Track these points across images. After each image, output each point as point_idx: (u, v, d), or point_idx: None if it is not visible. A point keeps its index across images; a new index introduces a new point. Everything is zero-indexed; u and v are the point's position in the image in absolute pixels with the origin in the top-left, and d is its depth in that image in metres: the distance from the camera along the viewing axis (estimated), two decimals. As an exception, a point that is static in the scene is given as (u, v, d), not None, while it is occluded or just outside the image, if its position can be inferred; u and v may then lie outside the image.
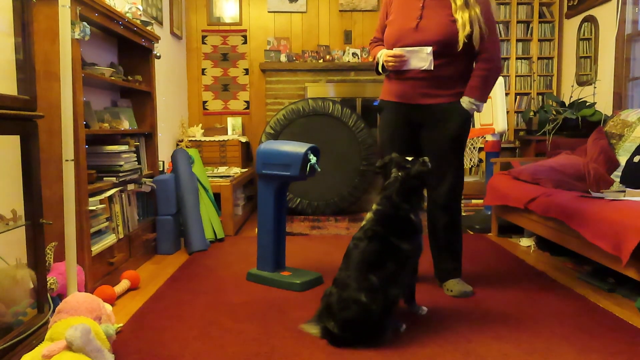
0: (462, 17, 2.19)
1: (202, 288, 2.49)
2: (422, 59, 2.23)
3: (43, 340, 1.58)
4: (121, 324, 2.02)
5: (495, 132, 3.91)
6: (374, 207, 2.01)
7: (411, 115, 2.35)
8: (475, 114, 4.29)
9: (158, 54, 3.32)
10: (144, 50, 3.21)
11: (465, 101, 2.28)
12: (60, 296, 1.99)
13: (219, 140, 4.72)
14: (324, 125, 4.39)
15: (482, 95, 2.30)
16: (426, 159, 2.02)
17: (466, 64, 2.30)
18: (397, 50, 2.26)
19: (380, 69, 2.39)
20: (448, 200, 2.37)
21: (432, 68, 2.23)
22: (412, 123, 2.37)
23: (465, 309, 2.18)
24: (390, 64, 2.28)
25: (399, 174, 1.97)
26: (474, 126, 4.79)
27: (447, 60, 2.24)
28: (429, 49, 2.21)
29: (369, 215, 2.01)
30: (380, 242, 1.91)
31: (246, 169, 4.65)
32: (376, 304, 1.78)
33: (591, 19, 4.51)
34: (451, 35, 2.21)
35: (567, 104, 4.46)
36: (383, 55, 2.32)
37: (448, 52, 2.23)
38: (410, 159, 2.02)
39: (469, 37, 2.21)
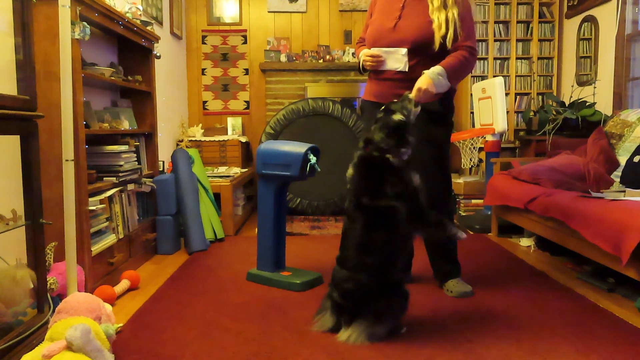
0: (438, 18, 2.19)
1: (202, 288, 2.49)
2: (397, 60, 2.25)
3: (43, 340, 1.58)
4: (121, 324, 2.02)
5: (495, 132, 3.91)
6: (354, 155, 1.96)
7: None
8: (476, 114, 4.32)
9: (158, 54, 3.32)
10: (144, 50, 3.21)
11: (433, 70, 2.15)
12: (60, 296, 1.99)
13: (219, 140, 4.72)
14: (324, 125, 4.39)
15: (453, 73, 2.19)
16: (406, 94, 2.03)
17: None
18: (374, 50, 2.29)
19: (361, 69, 2.43)
20: (436, 199, 2.34)
21: (407, 70, 2.25)
22: None
23: (465, 309, 2.18)
24: (368, 63, 2.32)
25: (379, 116, 1.97)
26: (473, 126, 4.80)
27: (422, 61, 2.24)
28: (404, 51, 2.23)
29: (349, 171, 1.96)
30: (366, 215, 1.88)
31: (246, 169, 4.65)
32: (373, 282, 1.85)
33: (591, 19, 4.51)
34: (427, 35, 2.21)
35: (567, 104, 4.46)
36: (362, 54, 2.36)
37: (424, 53, 2.23)
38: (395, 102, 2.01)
39: (444, 37, 2.20)
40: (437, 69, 2.16)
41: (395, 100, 2.04)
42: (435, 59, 2.25)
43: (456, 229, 2.03)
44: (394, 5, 2.31)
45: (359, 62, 2.42)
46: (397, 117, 1.93)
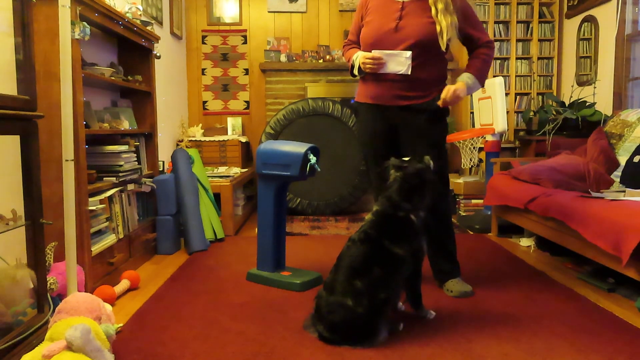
0: (445, 20, 2.19)
1: (202, 288, 2.49)
2: (400, 62, 2.22)
3: (43, 340, 1.58)
4: (121, 324, 2.02)
5: (495, 132, 3.91)
6: (374, 207, 2.00)
7: (387, 117, 2.34)
8: (476, 114, 4.32)
9: (158, 54, 3.32)
10: (144, 50, 3.21)
11: (465, 76, 2.28)
12: (60, 296, 1.99)
13: (219, 140, 4.71)
14: (324, 125, 4.40)
15: (481, 76, 2.30)
16: (427, 158, 2.02)
17: (440, 67, 2.32)
18: (375, 53, 2.24)
19: (356, 72, 2.36)
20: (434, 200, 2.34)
21: (409, 73, 2.22)
22: (389, 124, 2.36)
23: (465, 309, 2.18)
24: (368, 66, 2.25)
25: (397, 174, 1.97)
26: (473, 126, 4.79)
27: (423, 62, 2.24)
28: (408, 54, 2.20)
29: (368, 216, 2.00)
30: (370, 246, 1.90)
31: (246, 169, 4.65)
32: (362, 307, 1.79)
33: (591, 19, 4.51)
34: (431, 36, 2.21)
35: (567, 104, 4.46)
36: (360, 57, 2.30)
37: (425, 54, 2.23)
38: (407, 159, 2.02)
39: (449, 41, 2.23)
40: (465, 76, 2.27)
41: (414, 159, 2.01)
42: (435, 59, 2.25)
43: (426, 311, 2.07)
44: (392, 6, 2.28)
45: (353, 66, 2.36)
46: (415, 179, 1.95)
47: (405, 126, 2.33)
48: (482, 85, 2.36)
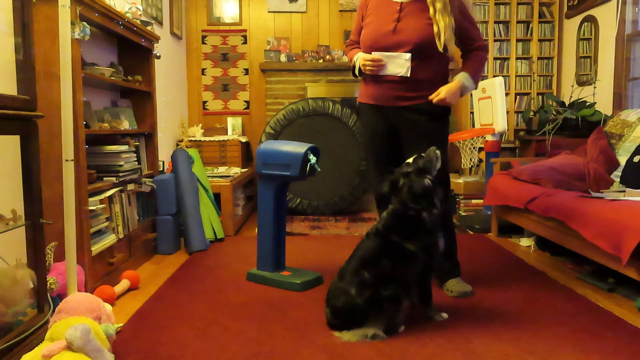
0: (443, 21, 2.18)
1: (202, 288, 2.49)
2: (399, 65, 2.23)
3: (43, 340, 1.58)
4: (121, 324, 2.02)
5: (495, 132, 3.91)
6: (390, 207, 2.04)
7: (388, 117, 2.35)
8: (476, 114, 4.32)
9: (158, 54, 3.32)
10: (144, 50, 3.21)
11: (463, 76, 2.29)
12: (60, 296, 1.99)
13: (219, 140, 4.71)
14: (324, 125, 4.39)
15: (476, 77, 2.34)
16: (432, 149, 2.03)
17: (440, 67, 2.32)
18: (375, 55, 2.24)
19: (357, 73, 2.38)
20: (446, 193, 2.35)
21: (409, 75, 2.23)
22: (390, 124, 2.37)
23: (465, 309, 2.18)
24: (368, 68, 2.27)
25: (404, 180, 2.00)
26: (473, 126, 4.80)
27: (423, 63, 2.24)
28: (408, 56, 2.21)
29: (384, 214, 2.05)
30: (382, 240, 1.97)
31: (246, 169, 4.65)
32: (362, 298, 1.86)
33: (591, 19, 4.51)
34: (429, 37, 2.20)
35: (567, 104, 4.46)
36: (360, 59, 2.31)
37: (425, 55, 2.23)
38: (410, 160, 2.03)
39: (446, 42, 2.23)
40: (462, 75, 2.28)
41: (423, 155, 2.02)
42: (435, 59, 2.25)
43: (436, 312, 2.08)
44: (391, 7, 2.28)
45: (354, 66, 2.37)
46: (426, 181, 1.97)
47: (406, 127, 2.33)
48: (476, 87, 2.39)
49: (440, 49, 2.21)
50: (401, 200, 1.99)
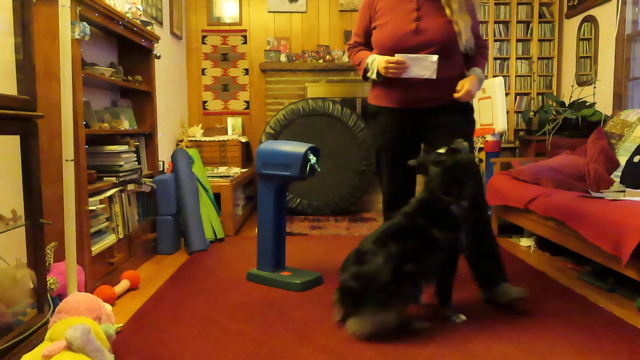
0: (462, 20, 2.16)
1: (202, 288, 2.49)
2: (425, 67, 2.12)
3: (43, 340, 1.58)
4: (121, 324, 2.02)
5: (495, 132, 3.91)
6: (418, 195, 2.05)
7: (414, 120, 2.27)
8: (476, 114, 4.31)
9: (158, 54, 3.32)
10: (144, 50, 3.21)
11: (478, 70, 2.27)
12: (60, 296, 1.99)
13: (219, 140, 4.71)
14: (324, 125, 4.39)
15: (484, 70, 2.35)
16: (460, 140, 2.02)
17: (460, 64, 2.30)
18: (399, 57, 2.12)
19: (374, 76, 2.24)
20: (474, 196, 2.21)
21: (435, 77, 2.13)
22: (415, 128, 2.29)
23: (465, 309, 2.17)
24: (391, 70, 2.14)
25: (437, 169, 1.99)
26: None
27: (446, 62, 2.21)
28: (435, 58, 2.10)
29: (412, 199, 2.06)
30: (408, 221, 1.98)
31: (246, 169, 4.65)
32: (388, 266, 1.84)
33: (591, 19, 4.51)
34: (452, 36, 2.18)
35: (567, 104, 4.46)
36: (381, 61, 2.18)
37: (447, 54, 2.20)
38: (442, 151, 2.02)
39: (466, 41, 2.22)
40: (479, 70, 2.28)
41: (453, 147, 2.02)
42: (454, 58, 2.24)
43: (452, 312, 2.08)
44: (407, 6, 2.19)
45: (369, 69, 2.24)
46: (454, 172, 1.97)
47: (435, 126, 2.25)
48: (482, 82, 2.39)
49: (462, 48, 2.19)
50: (431, 189, 1.99)
